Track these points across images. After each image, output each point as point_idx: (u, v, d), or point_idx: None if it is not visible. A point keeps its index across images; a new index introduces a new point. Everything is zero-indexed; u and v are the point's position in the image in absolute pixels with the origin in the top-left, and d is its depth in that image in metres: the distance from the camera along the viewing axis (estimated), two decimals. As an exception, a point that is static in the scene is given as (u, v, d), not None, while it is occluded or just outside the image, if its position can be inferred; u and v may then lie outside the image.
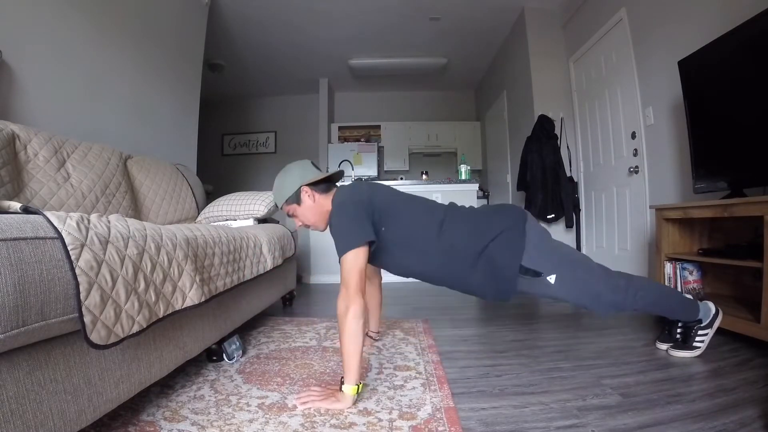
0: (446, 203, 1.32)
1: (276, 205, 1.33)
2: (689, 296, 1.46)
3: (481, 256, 1.17)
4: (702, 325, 1.36)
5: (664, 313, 1.39)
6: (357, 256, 1.07)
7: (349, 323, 1.01)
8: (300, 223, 1.31)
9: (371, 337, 1.59)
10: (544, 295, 1.22)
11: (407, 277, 1.32)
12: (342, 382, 1.04)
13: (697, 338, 1.36)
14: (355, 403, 1.03)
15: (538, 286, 1.19)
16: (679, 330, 1.41)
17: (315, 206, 1.26)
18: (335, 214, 1.18)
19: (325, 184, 1.28)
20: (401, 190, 1.34)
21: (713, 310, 1.37)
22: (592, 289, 1.21)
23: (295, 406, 1.02)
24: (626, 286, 1.23)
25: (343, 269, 1.08)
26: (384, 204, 1.21)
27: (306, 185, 1.25)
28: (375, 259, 1.23)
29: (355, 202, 1.17)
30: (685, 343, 1.37)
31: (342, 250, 1.08)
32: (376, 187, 1.28)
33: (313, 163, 1.33)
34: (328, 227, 1.28)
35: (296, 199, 1.26)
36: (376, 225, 1.17)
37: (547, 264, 1.18)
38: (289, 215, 1.32)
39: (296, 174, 1.27)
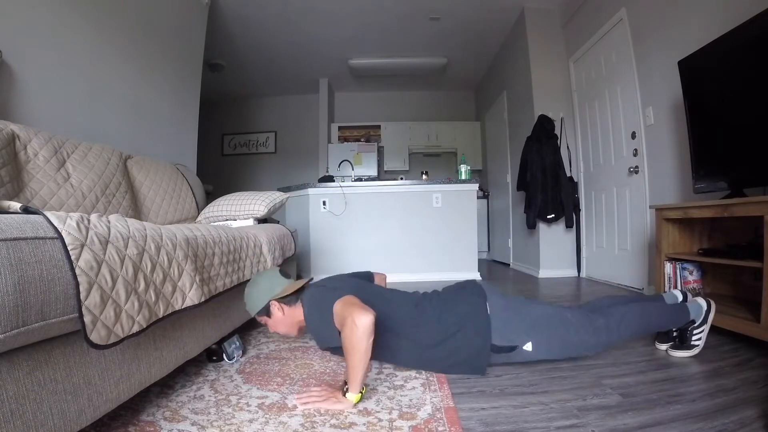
0: (411, 292, 1.37)
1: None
2: (677, 294, 1.43)
3: (448, 348, 1.19)
4: (696, 324, 1.36)
5: (655, 329, 1.39)
6: (342, 299, 1.09)
7: (359, 340, 0.98)
8: (273, 331, 1.35)
9: None
10: (528, 360, 1.23)
11: (379, 361, 1.33)
12: (344, 389, 1.04)
13: (694, 338, 1.36)
14: (355, 405, 1.03)
15: (517, 356, 1.21)
16: (675, 332, 1.41)
17: (285, 318, 1.29)
18: (309, 314, 1.22)
19: (295, 295, 1.30)
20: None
21: (704, 306, 1.36)
22: (572, 342, 1.22)
23: (295, 406, 1.02)
24: (606, 324, 1.23)
25: (337, 315, 1.08)
26: (356, 290, 1.21)
27: (275, 300, 1.27)
28: None
29: (328, 290, 1.21)
30: (683, 343, 1.37)
31: (329, 308, 1.10)
32: (343, 277, 1.36)
33: (281, 271, 1.36)
34: (298, 333, 1.34)
35: (266, 312, 1.29)
36: None
37: (519, 335, 1.19)
38: (262, 323, 1.37)
39: (264, 288, 1.29)
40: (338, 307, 1.08)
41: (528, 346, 1.19)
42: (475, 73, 5.28)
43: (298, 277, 3.25)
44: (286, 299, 1.29)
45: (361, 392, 1.04)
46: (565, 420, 0.95)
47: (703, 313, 1.35)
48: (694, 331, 1.36)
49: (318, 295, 1.22)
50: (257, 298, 1.29)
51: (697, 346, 1.35)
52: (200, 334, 1.16)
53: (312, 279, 1.41)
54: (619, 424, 0.92)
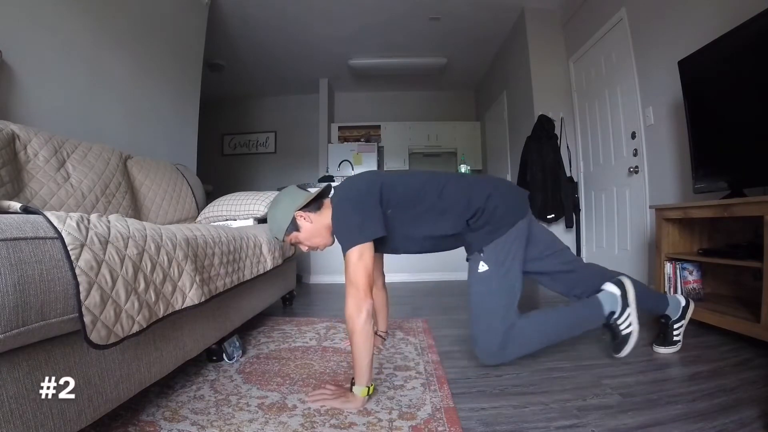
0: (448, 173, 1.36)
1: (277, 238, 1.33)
2: (629, 287, 1.33)
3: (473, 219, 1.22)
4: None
5: (587, 324, 1.31)
6: (362, 254, 1.07)
7: (362, 325, 1.01)
8: (307, 248, 1.29)
9: (381, 337, 1.58)
10: (469, 279, 1.26)
11: (413, 251, 1.35)
12: (352, 383, 1.04)
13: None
14: (365, 403, 1.02)
15: (472, 261, 1.25)
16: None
17: (314, 227, 1.24)
18: (335, 214, 1.17)
19: (316, 202, 1.26)
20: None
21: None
22: (493, 308, 1.21)
23: (295, 406, 1.02)
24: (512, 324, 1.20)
25: (348, 267, 1.07)
26: (388, 183, 1.22)
27: (299, 210, 1.23)
28: (383, 245, 1.25)
29: (358, 194, 1.18)
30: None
31: (345, 246, 1.09)
32: (375, 172, 1.33)
33: (298, 185, 1.33)
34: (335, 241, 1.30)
35: (294, 227, 1.24)
36: (383, 206, 1.17)
37: (495, 255, 1.20)
38: (292, 244, 1.30)
39: (286, 203, 1.24)
40: (350, 260, 1.07)
41: (483, 266, 1.22)
42: (475, 73, 5.28)
43: (298, 279, 3.25)
44: (311, 206, 1.23)
45: (368, 387, 1.02)
46: (565, 420, 0.95)
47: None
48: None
49: (348, 200, 1.18)
50: (283, 215, 1.22)
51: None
52: (200, 334, 1.16)
53: (330, 186, 1.33)
54: (619, 424, 0.92)
